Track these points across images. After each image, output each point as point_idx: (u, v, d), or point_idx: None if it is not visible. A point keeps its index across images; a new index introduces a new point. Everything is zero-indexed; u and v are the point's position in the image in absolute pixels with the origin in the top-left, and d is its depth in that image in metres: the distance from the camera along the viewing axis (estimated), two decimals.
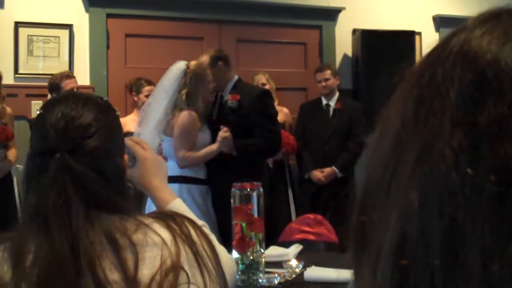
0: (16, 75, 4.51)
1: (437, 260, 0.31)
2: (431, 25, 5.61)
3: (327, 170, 4.42)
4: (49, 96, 3.99)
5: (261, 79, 4.52)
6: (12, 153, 3.86)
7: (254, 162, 3.44)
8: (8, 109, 3.92)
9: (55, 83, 4.06)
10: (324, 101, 4.63)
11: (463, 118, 0.32)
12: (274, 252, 2.31)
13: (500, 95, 0.31)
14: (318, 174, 4.44)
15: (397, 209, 0.33)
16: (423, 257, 0.31)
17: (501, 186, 0.29)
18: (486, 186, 0.30)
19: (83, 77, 4.66)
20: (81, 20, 4.71)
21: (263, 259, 1.96)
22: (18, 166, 3.76)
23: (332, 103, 4.61)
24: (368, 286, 0.35)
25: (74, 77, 4.19)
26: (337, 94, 4.64)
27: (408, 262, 0.32)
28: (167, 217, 1.02)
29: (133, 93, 4.35)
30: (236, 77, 3.62)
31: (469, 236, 0.30)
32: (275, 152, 3.79)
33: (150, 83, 4.33)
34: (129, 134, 3.85)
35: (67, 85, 4.01)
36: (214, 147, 3.38)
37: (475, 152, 0.31)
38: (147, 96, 4.27)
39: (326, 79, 4.59)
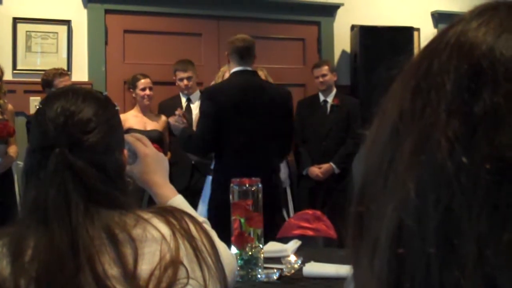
0: (15, 71, 4.51)
1: (433, 249, 0.31)
2: (429, 21, 5.61)
3: (325, 166, 4.43)
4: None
5: (260, 76, 4.51)
6: (12, 149, 3.87)
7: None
8: (9, 106, 3.93)
9: (47, 79, 4.06)
10: (321, 97, 4.64)
11: (459, 108, 0.32)
12: (272, 247, 2.31)
13: (495, 85, 0.31)
14: (316, 170, 4.45)
15: (394, 199, 0.34)
16: (419, 245, 0.32)
17: (496, 174, 0.30)
18: (481, 174, 0.30)
19: (81, 73, 4.66)
20: (79, 16, 4.70)
21: (262, 255, 1.96)
22: (18, 162, 3.77)
23: (330, 99, 4.61)
24: (366, 275, 0.36)
25: (68, 74, 4.18)
26: (334, 90, 4.64)
27: (405, 251, 0.33)
28: (166, 212, 1.03)
29: (131, 90, 4.35)
30: (228, 73, 3.46)
31: (465, 224, 0.30)
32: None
33: (144, 76, 4.33)
34: (131, 130, 3.85)
35: (60, 83, 4.01)
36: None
37: (470, 141, 0.31)
38: (142, 89, 4.28)
39: (324, 75, 4.58)
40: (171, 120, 3.52)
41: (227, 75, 3.61)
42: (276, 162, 3.46)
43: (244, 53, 3.31)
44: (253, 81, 3.33)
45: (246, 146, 3.20)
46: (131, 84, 4.33)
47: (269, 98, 3.30)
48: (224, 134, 3.19)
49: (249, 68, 3.33)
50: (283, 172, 4.19)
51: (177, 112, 3.56)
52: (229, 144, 3.21)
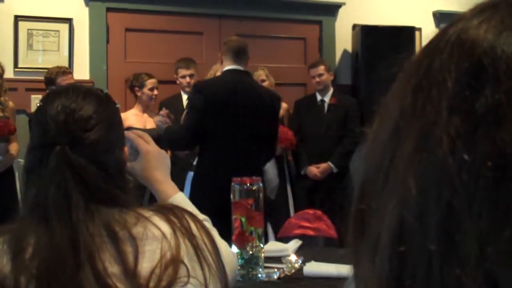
0: (16, 69, 4.51)
1: (434, 246, 0.31)
2: (431, 21, 5.61)
3: (323, 165, 4.45)
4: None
5: (261, 75, 4.50)
6: (14, 147, 3.88)
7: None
8: (11, 103, 3.94)
9: (50, 77, 4.06)
10: (318, 97, 4.66)
11: (460, 105, 0.32)
12: (273, 247, 2.32)
13: (496, 82, 0.31)
14: (314, 170, 4.46)
15: (395, 196, 0.34)
16: (421, 243, 0.32)
17: (497, 171, 0.30)
18: (482, 171, 0.30)
19: (82, 71, 4.66)
20: (81, 14, 4.70)
21: (263, 254, 1.97)
22: (19, 160, 3.77)
23: (327, 99, 4.63)
24: (367, 274, 0.36)
25: (70, 72, 4.19)
26: (331, 89, 4.66)
27: (406, 248, 0.33)
28: (167, 210, 1.03)
29: (136, 88, 4.32)
30: (220, 72, 3.47)
31: (466, 220, 0.30)
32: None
33: (150, 76, 4.33)
34: (131, 129, 3.85)
35: (63, 81, 4.01)
36: None
37: (472, 138, 0.31)
38: (151, 89, 4.28)
39: (320, 75, 4.60)
40: (156, 119, 3.58)
41: (218, 74, 3.62)
42: (259, 164, 3.42)
43: (238, 53, 3.32)
44: (244, 80, 3.33)
45: (231, 143, 3.18)
46: (138, 82, 4.30)
47: (258, 98, 3.29)
48: (210, 129, 3.17)
49: (241, 68, 3.34)
50: (272, 170, 4.17)
51: (161, 112, 3.61)
52: (214, 139, 3.19)
